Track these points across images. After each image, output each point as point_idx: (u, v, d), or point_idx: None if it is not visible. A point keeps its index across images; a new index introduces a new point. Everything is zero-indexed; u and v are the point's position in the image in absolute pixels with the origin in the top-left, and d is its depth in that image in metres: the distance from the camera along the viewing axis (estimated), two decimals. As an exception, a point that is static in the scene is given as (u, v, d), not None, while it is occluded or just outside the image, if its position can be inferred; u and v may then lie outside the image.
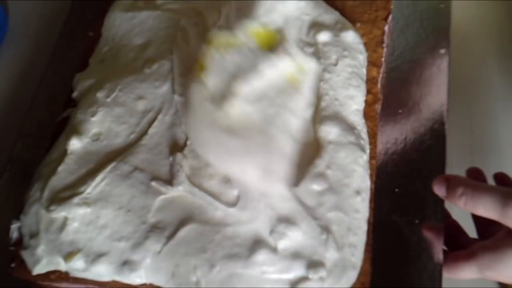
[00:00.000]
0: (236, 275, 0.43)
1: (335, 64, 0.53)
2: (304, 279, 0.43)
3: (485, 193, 0.43)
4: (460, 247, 0.47)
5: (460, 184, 0.44)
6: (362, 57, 0.55)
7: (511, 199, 0.41)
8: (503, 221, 0.42)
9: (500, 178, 0.52)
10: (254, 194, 0.46)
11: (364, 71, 0.54)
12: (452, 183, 0.45)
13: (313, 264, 0.43)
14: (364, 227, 0.46)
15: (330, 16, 0.56)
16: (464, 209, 0.45)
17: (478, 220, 0.49)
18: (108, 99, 0.51)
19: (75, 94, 0.54)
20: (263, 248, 0.43)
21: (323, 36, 0.54)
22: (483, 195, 0.43)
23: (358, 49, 0.55)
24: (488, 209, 0.43)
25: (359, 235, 0.46)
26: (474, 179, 0.49)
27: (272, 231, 0.44)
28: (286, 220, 0.44)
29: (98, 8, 0.61)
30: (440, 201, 0.52)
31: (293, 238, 0.44)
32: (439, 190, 0.46)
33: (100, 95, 0.51)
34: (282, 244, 0.44)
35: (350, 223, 0.45)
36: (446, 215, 0.52)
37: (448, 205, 0.54)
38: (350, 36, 0.55)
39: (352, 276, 0.44)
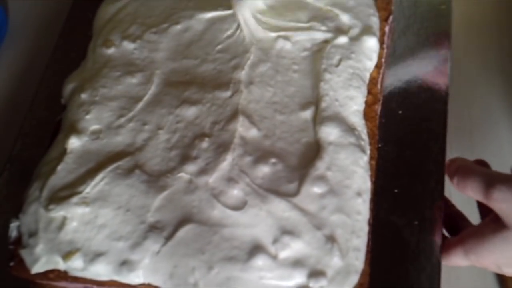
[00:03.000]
0: (234, 278, 0.43)
1: (337, 65, 0.53)
2: None
3: (473, 175, 0.45)
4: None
5: (456, 165, 0.47)
6: (370, 64, 0.54)
7: (494, 182, 0.43)
8: (487, 202, 0.44)
9: (481, 164, 0.51)
10: (255, 200, 0.45)
11: (367, 75, 0.54)
12: (451, 165, 0.48)
13: (315, 273, 0.43)
14: (366, 228, 0.46)
15: (365, 19, 0.56)
16: (457, 190, 0.46)
17: (482, 209, 0.50)
18: (97, 98, 0.51)
19: (63, 101, 0.54)
20: (262, 253, 0.43)
21: (341, 40, 0.54)
22: (471, 176, 0.45)
23: (370, 56, 0.54)
24: (474, 190, 0.45)
25: (362, 237, 0.46)
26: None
27: (275, 241, 0.44)
28: (290, 232, 0.44)
29: (98, 8, 0.61)
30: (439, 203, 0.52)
31: (296, 249, 0.44)
32: (446, 170, 0.49)
33: (84, 95, 0.52)
34: (284, 254, 0.43)
35: (353, 225, 0.45)
36: (450, 205, 0.53)
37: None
38: (370, 43, 0.55)
39: (353, 280, 0.44)
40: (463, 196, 0.57)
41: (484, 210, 0.49)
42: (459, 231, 0.49)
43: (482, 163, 0.51)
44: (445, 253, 0.48)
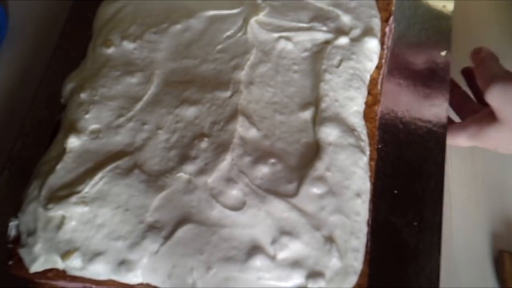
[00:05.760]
0: (232, 278, 0.43)
1: (337, 66, 0.53)
2: None
3: (484, 69, 0.53)
4: (469, 112, 0.57)
5: (479, 58, 0.55)
6: (370, 65, 0.54)
7: (494, 80, 0.51)
8: (485, 97, 0.52)
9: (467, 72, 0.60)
10: (253, 200, 0.45)
11: (368, 76, 0.54)
12: (477, 55, 0.56)
13: (313, 274, 0.43)
14: (364, 229, 0.46)
15: (367, 20, 0.56)
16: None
17: (474, 91, 0.60)
18: (96, 97, 0.51)
19: (63, 100, 0.54)
20: (261, 254, 0.43)
21: (342, 40, 0.54)
22: (481, 70, 0.54)
23: (371, 57, 0.55)
24: (479, 83, 0.53)
25: (361, 238, 0.46)
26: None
27: (273, 242, 0.44)
28: (289, 233, 0.44)
29: (98, 8, 0.61)
30: (438, 203, 0.52)
31: (294, 250, 0.44)
32: (471, 56, 0.57)
33: (83, 95, 0.52)
34: (283, 255, 0.44)
35: (352, 226, 0.45)
36: (456, 86, 0.60)
37: (448, 206, 0.54)
38: (371, 44, 0.55)
39: (352, 280, 0.44)
40: (462, 198, 0.57)
41: (475, 93, 0.59)
42: (465, 110, 0.58)
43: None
44: (451, 136, 0.56)
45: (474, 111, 0.56)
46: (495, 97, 0.51)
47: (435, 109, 0.57)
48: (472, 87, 0.59)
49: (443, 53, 0.61)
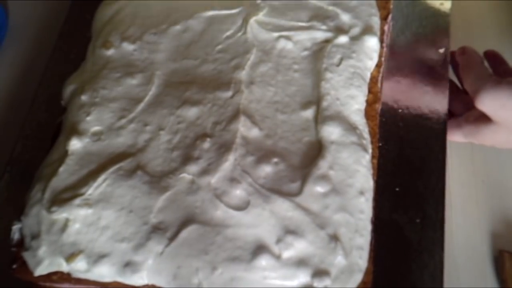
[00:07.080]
0: (238, 278, 0.43)
1: (338, 64, 0.53)
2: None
3: (470, 74, 0.54)
4: (460, 105, 0.58)
5: (462, 60, 0.57)
6: (370, 63, 0.55)
7: (481, 87, 0.51)
8: (475, 104, 0.52)
9: (491, 55, 0.60)
10: (257, 200, 0.46)
11: (368, 74, 0.54)
12: (460, 56, 0.58)
13: (319, 273, 0.43)
14: (368, 227, 0.47)
15: (367, 19, 0.56)
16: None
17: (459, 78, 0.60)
18: (97, 99, 0.51)
19: (63, 102, 0.54)
20: (266, 253, 0.43)
21: (342, 39, 0.54)
22: (468, 75, 0.54)
23: (371, 55, 0.55)
24: (467, 88, 0.54)
25: (365, 236, 0.46)
26: (492, 61, 0.59)
27: (278, 241, 0.44)
28: (293, 232, 0.44)
29: (96, 9, 0.61)
30: (440, 200, 0.52)
31: (299, 249, 0.44)
32: (456, 55, 0.58)
33: (84, 97, 0.52)
34: (288, 254, 0.44)
35: (356, 224, 0.45)
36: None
37: (448, 205, 0.54)
38: (371, 42, 0.55)
39: (357, 278, 0.44)
40: (462, 197, 0.57)
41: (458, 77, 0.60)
42: (456, 103, 0.59)
43: (490, 55, 0.59)
44: (448, 132, 0.56)
45: (465, 104, 0.57)
46: (486, 104, 0.51)
47: (435, 106, 0.58)
48: (457, 73, 0.60)
49: (441, 50, 0.61)
